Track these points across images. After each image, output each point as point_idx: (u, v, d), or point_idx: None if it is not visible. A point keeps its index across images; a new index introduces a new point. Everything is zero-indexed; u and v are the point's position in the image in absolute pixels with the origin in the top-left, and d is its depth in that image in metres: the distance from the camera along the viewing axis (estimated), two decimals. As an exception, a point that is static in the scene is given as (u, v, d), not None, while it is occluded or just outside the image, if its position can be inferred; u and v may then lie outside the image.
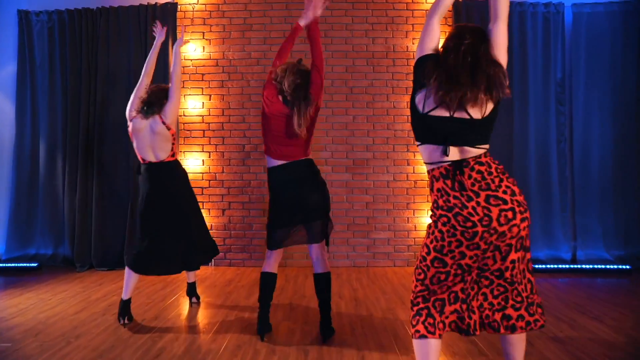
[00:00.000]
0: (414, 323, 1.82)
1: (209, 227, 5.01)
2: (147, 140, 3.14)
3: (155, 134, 3.12)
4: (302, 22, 2.81)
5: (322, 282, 2.87)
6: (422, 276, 1.81)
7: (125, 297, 3.13)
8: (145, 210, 3.15)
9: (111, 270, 4.78)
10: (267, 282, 2.88)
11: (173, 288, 4.08)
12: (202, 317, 3.32)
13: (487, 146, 1.76)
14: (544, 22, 4.85)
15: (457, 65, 1.68)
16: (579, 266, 4.71)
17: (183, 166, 3.39)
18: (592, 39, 4.85)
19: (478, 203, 1.67)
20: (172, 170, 3.25)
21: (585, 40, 4.85)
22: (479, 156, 1.72)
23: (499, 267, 1.75)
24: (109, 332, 2.97)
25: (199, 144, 5.06)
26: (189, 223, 3.25)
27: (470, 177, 1.69)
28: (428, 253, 1.79)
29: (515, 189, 1.71)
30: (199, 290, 4.03)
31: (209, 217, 5.03)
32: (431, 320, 1.78)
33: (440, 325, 1.79)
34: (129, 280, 3.12)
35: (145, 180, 3.20)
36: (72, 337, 2.86)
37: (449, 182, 1.72)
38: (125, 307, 3.12)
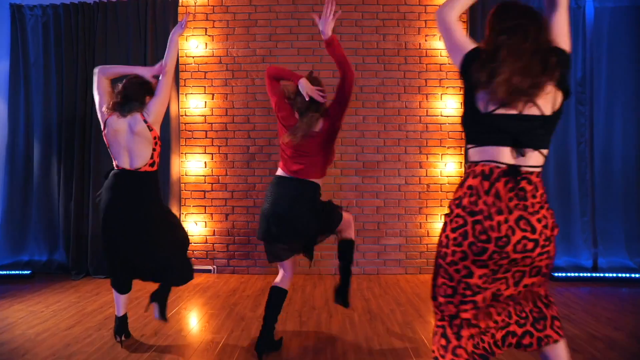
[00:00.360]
0: (434, 340, 1.64)
1: (211, 232, 4.80)
2: (123, 142, 2.65)
3: (134, 135, 2.64)
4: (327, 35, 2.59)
5: (343, 246, 2.86)
6: (434, 282, 1.65)
7: (118, 313, 2.84)
8: (103, 225, 2.69)
9: (108, 278, 4.52)
10: (272, 297, 2.67)
11: (174, 299, 3.84)
12: (206, 332, 3.08)
13: (547, 151, 1.57)
14: (564, 17, 4.61)
15: (525, 52, 1.47)
16: (601, 274, 4.48)
17: (159, 183, 2.84)
18: (614, 36, 4.62)
19: (506, 220, 1.47)
20: (144, 184, 2.69)
21: (608, 37, 4.62)
22: (532, 173, 1.53)
23: (512, 294, 1.59)
24: (104, 350, 2.72)
25: (201, 146, 4.82)
26: (155, 251, 2.72)
27: (512, 189, 1.49)
28: (435, 259, 1.64)
29: (550, 222, 1.52)
30: (201, 301, 3.79)
31: (212, 222, 4.79)
32: (444, 342, 1.59)
33: (459, 351, 1.57)
34: (117, 297, 2.84)
35: (107, 188, 2.68)
36: (62, 358, 2.62)
37: (486, 183, 1.51)
38: (121, 325, 2.83)
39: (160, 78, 2.74)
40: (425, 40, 4.77)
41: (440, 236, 1.60)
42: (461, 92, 4.75)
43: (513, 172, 1.49)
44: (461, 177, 4.75)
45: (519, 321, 1.63)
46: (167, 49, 2.78)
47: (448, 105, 4.77)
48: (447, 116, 4.78)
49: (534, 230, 1.48)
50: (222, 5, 4.80)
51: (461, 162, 4.74)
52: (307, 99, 2.58)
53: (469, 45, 1.58)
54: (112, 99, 2.68)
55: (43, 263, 4.73)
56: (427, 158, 4.78)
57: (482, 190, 1.51)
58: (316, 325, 3.20)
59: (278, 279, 2.71)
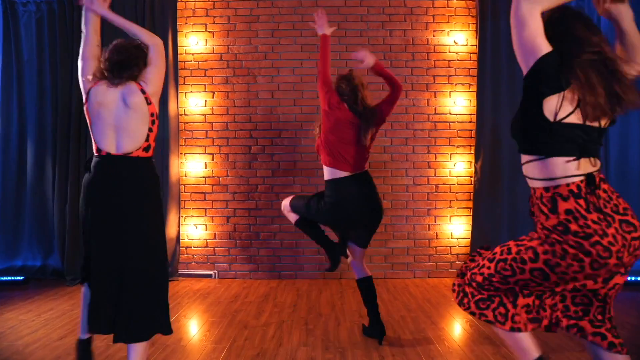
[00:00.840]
0: (482, 306, 1.66)
1: (212, 236, 4.63)
2: (111, 118, 2.07)
3: (129, 109, 2.07)
4: (320, 32, 2.85)
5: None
6: (508, 272, 1.59)
7: (82, 335, 2.22)
8: (85, 233, 2.11)
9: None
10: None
11: (173, 305, 3.65)
12: (207, 341, 2.90)
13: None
14: (577, 11, 4.45)
15: (601, 65, 1.48)
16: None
17: (158, 173, 2.24)
18: (630, 30, 4.45)
19: (617, 230, 1.44)
20: (141, 172, 2.11)
21: (623, 32, 4.45)
22: (599, 171, 1.53)
23: (596, 288, 1.56)
24: (98, 362, 2.54)
25: (201, 146, 4.64)
26: (146, 270, 2.07)
27: (599, 196, 1.49)
28: (533, 260, 1.53)
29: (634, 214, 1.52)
30: (201, 308, 3.61)
31: (213, 225, 4.61)
32: (502, 310, 1.63)
33: (517, 318, 1.63)
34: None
35: (90, 183, 2.08)
36: (54, 370, 2.44)
37: (582, 201, 1.46)
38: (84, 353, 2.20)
39: (149, 47, 2.20)
40: (433, 36, 4.60)
41: (553, 245, 1.50)
42: (471, 90, 4.59)
43: (593, 181, 1.48)
44: (471, 177, 4.57)
45: (593, 322, 1.59)
46: (124, 25, 2.26)
47: (457, 102, 4.60)
48: (456, 114, 4.61)
49: (635, 228, 1.47)
50: (222, 0, 4.64)
51: (471, 162, 4.57)
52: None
53: (546, 46, 1.48)
54: (100, 65, 2.14)
55: (37, 268, 4.54)
56: (435, 158, 4.61)
57: (583, 210, 1.46)
58: (323, 333, 3.02)
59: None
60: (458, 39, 4.60)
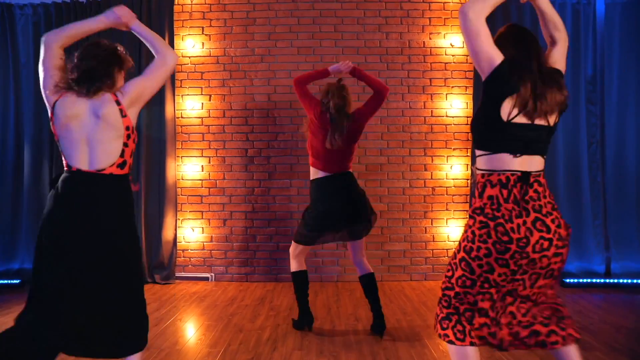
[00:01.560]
0: (444, 326, 1.73)
1: (209, 239, 4.63)
2: (82, 132, 1.87)
3: (100, 121, 1.86)
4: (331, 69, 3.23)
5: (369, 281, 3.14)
6: (450, 273, 1.75)
7: None
8: (42, 260, 1.84)
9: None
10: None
11: (169, 309, 3.67)
12: (202, 345, 2.90)
13: (545, 156, 1.74)
14: (574, 14, 4.46)
15: (544, 69, 1.67)
16: (614, 280, 4.30)
17: (131, 193, 2.03)
18: (626, 32, 4.45)
19: (525, 222, 1.60)
20: (113, 190, 1.92)
21: (619, 33, 4.46)
22: (539, 174, 1.68)
23: (527, 294, 1.71)
24: (92, 367, 2.54)
25: (197, 149, 4.65)
26: (123, 284, 1.91)
27: (526, 193, 1.64)
28: (458, 251, 1.72)
29: (562, 222, 1.66)
30: (198, 311, 3.61)
31: (209, 228, 4.62)
32: (460, 328, 1.70)
33: (473, 333, 1.70)
34: None
35: (57, 202, 1.85)
36: (48, 375, 2.43)
37: (505, 191, 1.64)
38: None
39: (157, 61, 2.00)
40: (430, 39, 4.61)
41: (466, 232, 1.69)
42: (467, 92, 4.59)
43: (526, 178, 1.63)
44: (467, 179, 4.58)
45: (543, 321, 1.71)
46: (146, 36, 2.04)
47: (453, 105, 4.60)
48: (453, 117, 4.61)
49: (548, 230, 1.60)
50: (219, 3, 4.64)
51: (467, 165, 4.58)
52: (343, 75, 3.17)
53: (499, 55, 1.64)
54: (67, 74, 1.92)
55: (34, 271, 4.54)
56: (432, 160, 4.61)
57: (502, 198, 1.63)
58: (318, 338, 3.02)
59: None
60: (454, 42, 4.60)
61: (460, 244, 1.72)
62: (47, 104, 1.94)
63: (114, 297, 1.87)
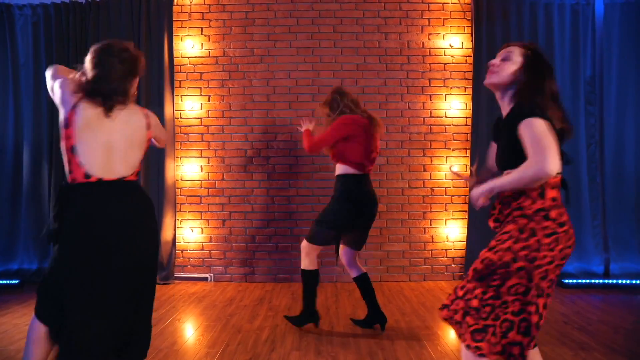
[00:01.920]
0: (477, 338, 1.58)
1: (208, 239, 4.63)
2: (105, 137, 1.85)
3: (128, 128, 1.91)
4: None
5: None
6: (497, 282, 1.60)
7: None
8: (74, 273, 1.83)
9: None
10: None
11: (168, 309, 3.66)
12: (200, 345, 2.90)
13: None
14: (573, 15, 4.46)
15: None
16: (613, 281, 4.31)
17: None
18: (625, 33, 4.45)
19: (571, 225, 1.65)
20: (140, 193, 1.97)
21: (618, 35, 4.46)
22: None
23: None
24: (90, 367, 2.54)
25: (197, 149, 4.65)
26: (154, 289, 2.05)
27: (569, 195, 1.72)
28: (514, 260, 1.58)
29: None
30: (196, 312, 3.61)
31: (208, 228, 4.62)
32: (495, 340, 1.57)
33: (498, 347, 1.57)
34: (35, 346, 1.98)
35: (94, 213, 1.79)
36: (46, 376, 2.43)
37: (560, 194, 1.67)
38: None
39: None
40: (429, 39, 4.61)
41: (527, 239, 1.59)
42: (466, 93, 4.59)
43: (564, 181, 1.69)
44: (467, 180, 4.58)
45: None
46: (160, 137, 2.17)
47: (452, 106, 4.61)
48: (452, 117, 4.61)
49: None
50: (218, 4, 4.64)
51: (466, 165, 4.57)
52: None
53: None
54: (83, 78, 1.87)
55: (33, 272, 4.54)
56: (431, 161, 4.61)
57: (561, 200, 1.64)
58: (316, 338, 3.02)
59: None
60: (453, 42, 4.60)
61: (515, 252, 1.59)
62: (64, 105, 1.85)
63: (149, 301, 2.01)
